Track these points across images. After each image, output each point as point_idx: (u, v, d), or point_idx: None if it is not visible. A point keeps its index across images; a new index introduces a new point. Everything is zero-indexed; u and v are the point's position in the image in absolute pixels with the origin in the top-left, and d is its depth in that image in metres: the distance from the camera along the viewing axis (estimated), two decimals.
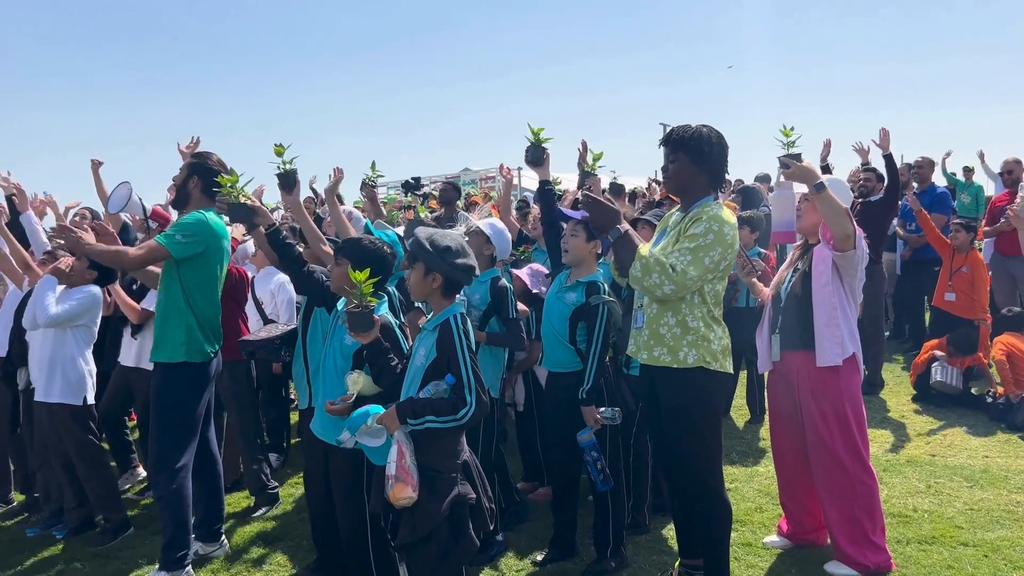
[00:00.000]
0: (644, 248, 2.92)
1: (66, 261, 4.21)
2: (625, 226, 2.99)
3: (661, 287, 2.81)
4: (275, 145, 3.64)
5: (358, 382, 2.83)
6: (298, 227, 4.50)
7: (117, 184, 4.68)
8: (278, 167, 3.72)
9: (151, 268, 3.82)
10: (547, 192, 3.91)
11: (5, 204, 5.30)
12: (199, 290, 3.56)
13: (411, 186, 8.01)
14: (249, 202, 3.48)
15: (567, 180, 7.83)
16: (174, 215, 4.39)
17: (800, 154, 3.29)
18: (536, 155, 3.84)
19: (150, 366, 4.45)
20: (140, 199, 5.44)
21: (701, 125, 2.99)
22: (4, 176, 5.31)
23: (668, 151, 3.02)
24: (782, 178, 3.43)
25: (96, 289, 4.27)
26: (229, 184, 3.45)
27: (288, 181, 3.74)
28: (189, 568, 3.68)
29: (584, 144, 4.39)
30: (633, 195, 8.36)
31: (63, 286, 4.19)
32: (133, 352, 4.69)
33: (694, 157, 2.96)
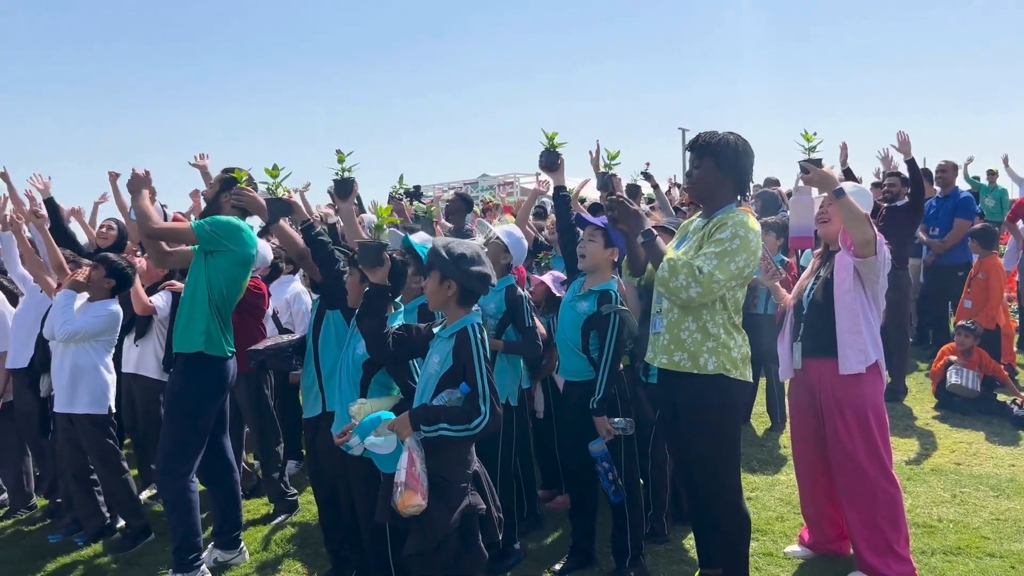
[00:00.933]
0: (671, 251, 2.91)
1: (83, 272, 4.24)
2: (653, 229, 2.98)
3: (687, 289, 2.78)
4: (337, 152, 3.68)
5: (361, 411, 2.80)
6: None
7: None
8: (336, 173, 3.76)
9: (171, 248, 3.83)
10: (562, 198, 3.90)
11: (44, 209, 5.27)
12: (221, 290, 3.62)
13: (411, 195, 8.05)
14: (286, 196, 3.57)
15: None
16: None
17: (820, 159, 3.26)
18: (550, 160, 3.83)
19: (149, 372, 4.52)
20: (162, 206, 5.51)
21: (728, 132, 2.96)
22: (46, 181, 5.38)
23: (693, 157, 3.01)
24: (801, 183, 3.40)
25: (116, 308, 4.27)
26: (245, 177, 3.64)
27: (345, 188, 3.77)
28: (204, 568, 3.71)
29: (598, 144, 4.36)
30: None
31: (83, 297, 4.22)
32: (133, 359, 4.60)
33: (720, 163, 2.94)
